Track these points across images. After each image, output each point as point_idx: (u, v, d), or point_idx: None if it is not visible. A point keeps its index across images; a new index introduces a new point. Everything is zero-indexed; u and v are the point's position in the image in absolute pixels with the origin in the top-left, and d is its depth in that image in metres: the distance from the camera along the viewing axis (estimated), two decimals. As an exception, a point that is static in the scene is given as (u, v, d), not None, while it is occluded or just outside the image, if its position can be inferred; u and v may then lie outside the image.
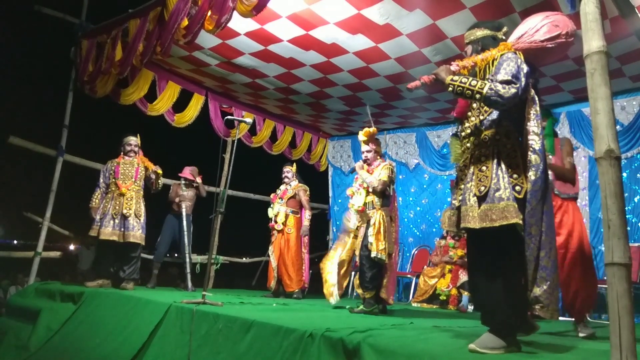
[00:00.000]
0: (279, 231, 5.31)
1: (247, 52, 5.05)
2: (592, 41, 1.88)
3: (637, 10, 2.69)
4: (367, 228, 3.84)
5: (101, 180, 4.87)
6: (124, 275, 4.65)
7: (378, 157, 4.09)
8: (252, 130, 7.06)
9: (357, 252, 3.91)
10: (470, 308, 5.31)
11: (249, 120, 4.22)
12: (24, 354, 3.72)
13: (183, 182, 5.68)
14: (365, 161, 4.05)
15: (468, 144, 2.22)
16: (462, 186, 2.20)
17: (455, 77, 2.10)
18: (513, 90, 2.00)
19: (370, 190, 3.86)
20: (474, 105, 2.23)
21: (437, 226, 6.57)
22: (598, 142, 1.79)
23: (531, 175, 2.07)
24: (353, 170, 4.17)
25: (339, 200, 8.06)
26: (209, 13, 4.06)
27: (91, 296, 3.97)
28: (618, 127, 5.09)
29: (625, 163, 5.14)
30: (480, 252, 2.12)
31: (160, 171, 4.90)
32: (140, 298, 3.60)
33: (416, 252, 6.77)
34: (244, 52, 5.06)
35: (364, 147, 4.05)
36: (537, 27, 2.18)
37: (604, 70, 1.84)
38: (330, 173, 8.33)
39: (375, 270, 3.80)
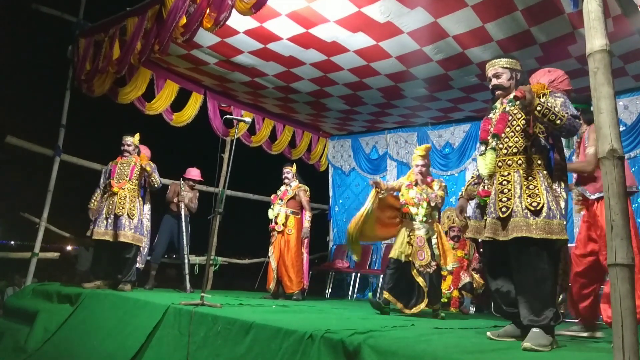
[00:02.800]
0: (279, 232, 5.27)
1: (246, 50, 5.02)
2: (595, 40, 1.86)
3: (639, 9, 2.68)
4: (429, 239, 4.06)
5: (101, 181, 4.87)
6: (121, 277, 4.62)
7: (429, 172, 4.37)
8: (251, 130, 7.03)
9: (412, 259, 4.01)
10: (472, 310, 5.30)
11: (248, 119, 4.22)
12: (21, 356, 3.69)
13: (182, 183, 5.62)
14: (420, 174, 4.22)
15: (509, 162, 2.46)
16: (504, 199, 2.40)
17: (543, 100, 2.36)
18: (579, 124, 2.39)
19: (433, 204, 4.11)
20: (529, 128, 2.43)
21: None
22: (601, 141, 1.77)
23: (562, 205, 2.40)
24: (394, 181, 4.56)
25: (340, 201, 8.03)
26: (208, 11, 4.04)
27: (89, 297, 3.94)
28: (621, 126, 5.08)
29: (628, 163, 5.12)
30: (529, 259, 2.32)
31: (148, 168, 4.72)
32: (138, 299, 3.56)
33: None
34: (243, 50, 5.03)
35: (420, 161, 4.23)
36: (561, 79, 2.65)
37: (607, 69, 1.82)
38: (330, 173, 8.29)
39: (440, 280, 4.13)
